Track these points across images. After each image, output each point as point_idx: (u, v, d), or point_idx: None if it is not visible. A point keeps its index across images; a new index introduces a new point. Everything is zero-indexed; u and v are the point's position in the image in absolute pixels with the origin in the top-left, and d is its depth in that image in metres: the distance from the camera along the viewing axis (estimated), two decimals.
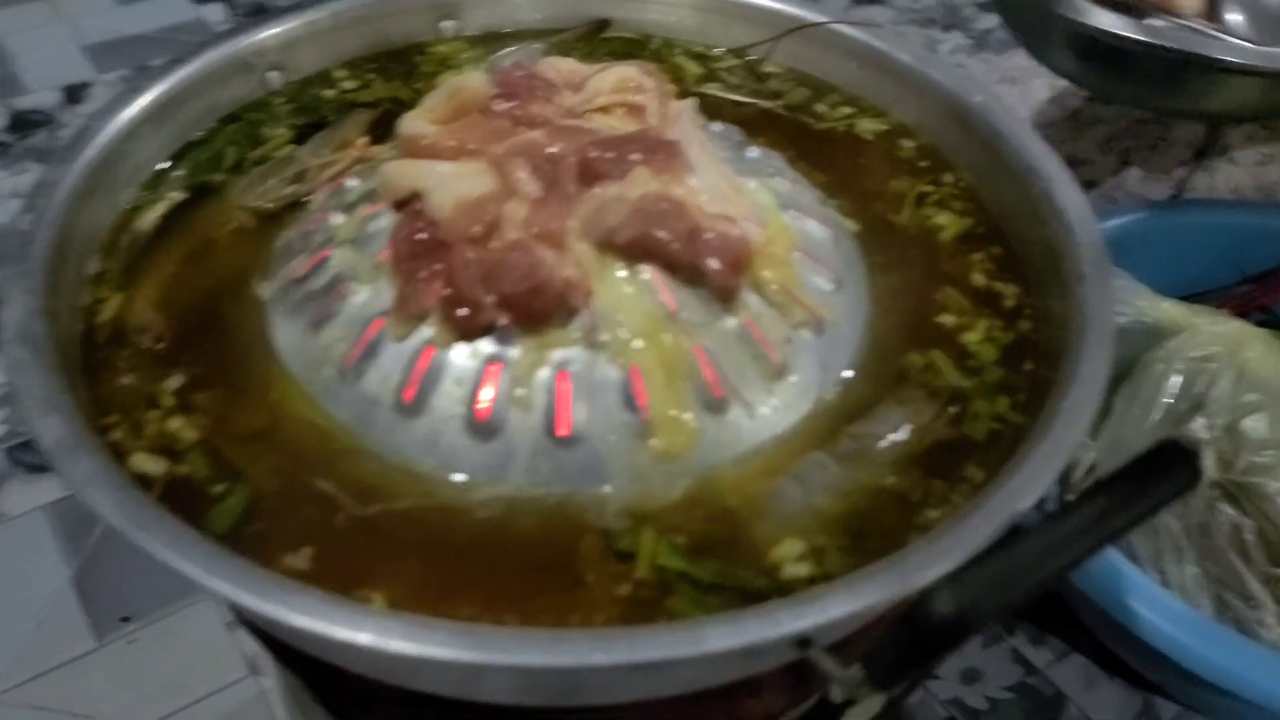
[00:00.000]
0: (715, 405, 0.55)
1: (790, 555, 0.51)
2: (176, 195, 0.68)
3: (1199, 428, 0.91)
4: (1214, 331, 0.95)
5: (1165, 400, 0.94)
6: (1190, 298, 1.03)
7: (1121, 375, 0.99)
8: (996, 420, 0.57)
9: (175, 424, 0.56)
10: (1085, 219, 0.62)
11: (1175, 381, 0.94)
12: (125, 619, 0.98)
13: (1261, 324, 1.00)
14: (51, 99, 1.58)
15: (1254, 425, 0.90)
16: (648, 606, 0.49)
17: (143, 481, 0.53)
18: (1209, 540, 0.91)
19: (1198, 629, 0.82)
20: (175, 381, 0.58)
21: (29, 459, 1.10)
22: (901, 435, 0.56)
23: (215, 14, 1.78)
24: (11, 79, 1.62)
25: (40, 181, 0.62)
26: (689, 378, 0.54)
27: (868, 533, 0.52)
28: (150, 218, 0.67)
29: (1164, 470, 0.42)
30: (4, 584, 1.00)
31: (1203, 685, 0.82)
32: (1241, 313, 1.05)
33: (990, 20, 1.87)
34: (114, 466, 0.49)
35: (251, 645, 0.96)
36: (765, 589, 0.49)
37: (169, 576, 0.99)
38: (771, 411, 0.56)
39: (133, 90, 0.69)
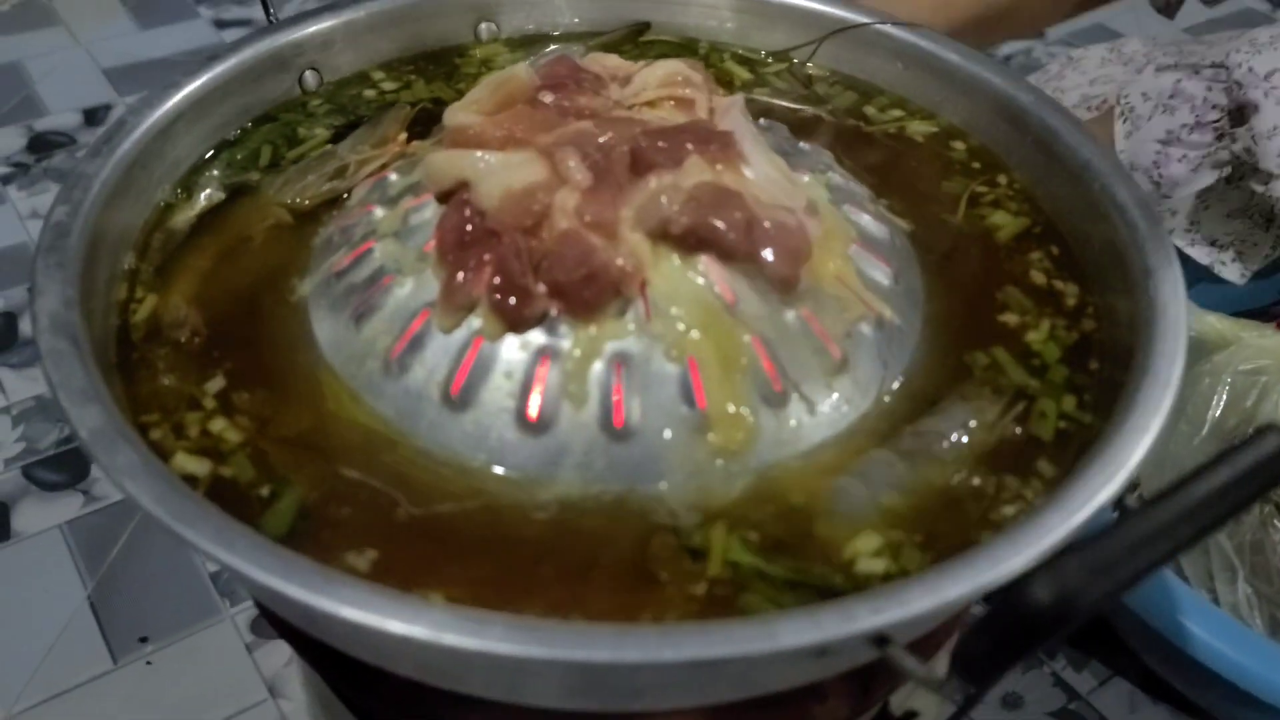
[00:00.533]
0: (775, 399, 0.53)
1: (865, 550, 0.48)
2: (212, 192, 0.67)
3: None
4: (1262, 345, 0.93)
5: (1214, 415, 0.91)
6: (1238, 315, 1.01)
7: None
8: (1064, 419, 0.55)
9: (218, 425, 0.54)
10: (1148, 214, 0.60)
11: (1224, 396, 0.92)
12: (143, 639, 0.95)
13: None
14: (72, 120, 1.58)
15: None
16: (721, 605, 0.46)
17: (187, 483, 0.51)
18: (1261, 558, 0.89)
19: (1253, 648, 0.80)
20: (215, 380, 0.56)
21: (45, 476, 1.08)
22: (967, 433, 0.54)
23: (236, 38, 1.77)
24: (32, 101, 1.61)
25: (75, 173, 0.60)
26: (748, 371, 0.52)
27: (941, 529, 0.50)
28: (185, 215, 0.65)
29: (1265, 459, 0.40)
30: (20, 603, 0.98)
31: (1256, 706, 0.80)
32: None
33: (1010, 46, 1.87)
34: (154, 458, 0.47)
35: (271, 666, 0.93)
36: (842, 586, 0.47)
37: (188, 596, 0.98)
38: (832, 407, 0.54)
39: (169, 86, 0.67)
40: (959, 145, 0.73)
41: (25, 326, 1.24)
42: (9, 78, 1.66)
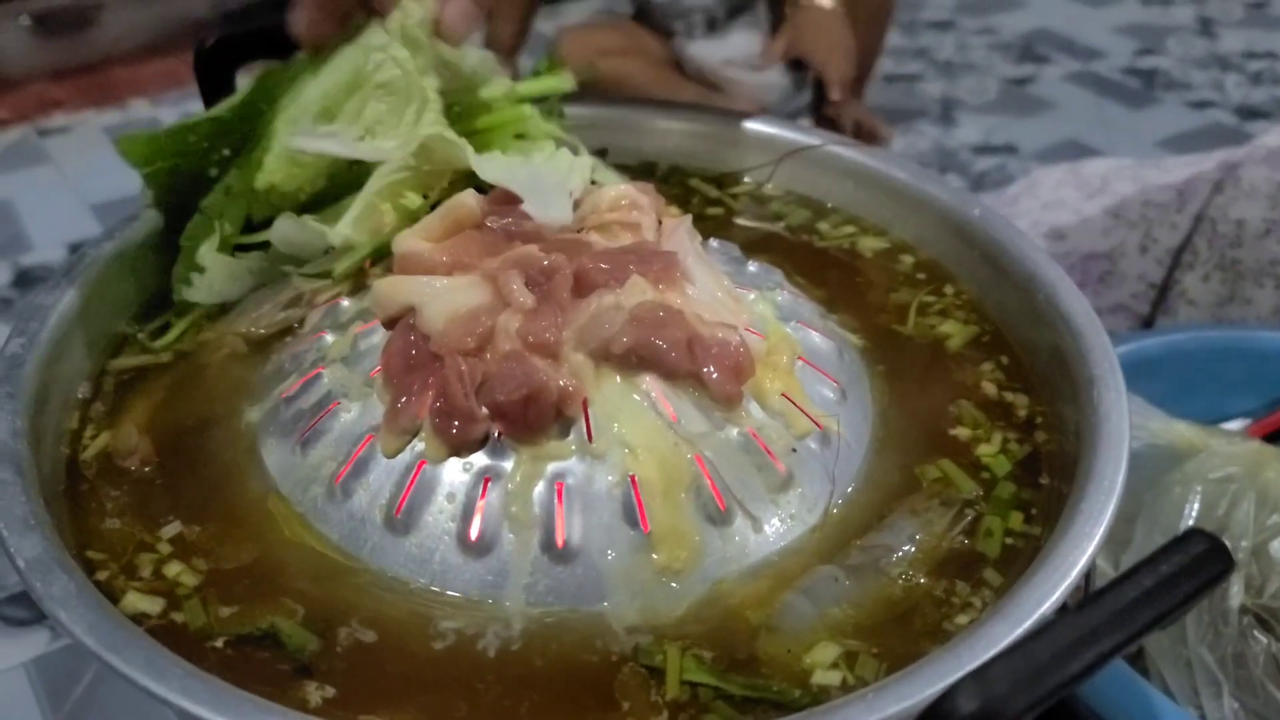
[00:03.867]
0: (719, 517, 0.53)
1: (822, 662, 0.48)
2: (168, 323, 0.67)
3: None
4: (1231, 452, 0.93)
5: (1186, 525, 0.91)
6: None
7: (1139, 505, 0.97)
8: (1010, 535, 0.55)
9: (160, 558, 0.54)
10: (1091, 322, 0.61)
11: (1195, 505, 0.91)
12: None
13: None
14: (57, 255, 1.60)
15: None
16: None
17: (137, 620, 0.50)
18: (1245, 671, 0.87)
19: None
20: (160, 503, 0.56)
21: (12, 613, 1.07)
22: (915, 546, 0.54)
23: None
24: (19, 238, 1.64)
25: (32, 305, 0.61)
26: (691, 489, 0.52)
27: (890, 642, 0.49)
28: (141, 346, 0.66)
29: (1190, 560, 0.39)
30: None
31: None
32: (1266, 435, 1.03)
33: (987, 162, 1.91)
34: (89, 586, 0.47)
35: None
36: (801, 700, 0.46)
37: None
38: (778, 523, 0.54)
39: (130, 219, 0.69)
40: (908, 259, 0.74)
41: None
42: None
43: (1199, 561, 0.40)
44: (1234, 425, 1.09)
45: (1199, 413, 1.07)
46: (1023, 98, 2.15)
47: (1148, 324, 1.29)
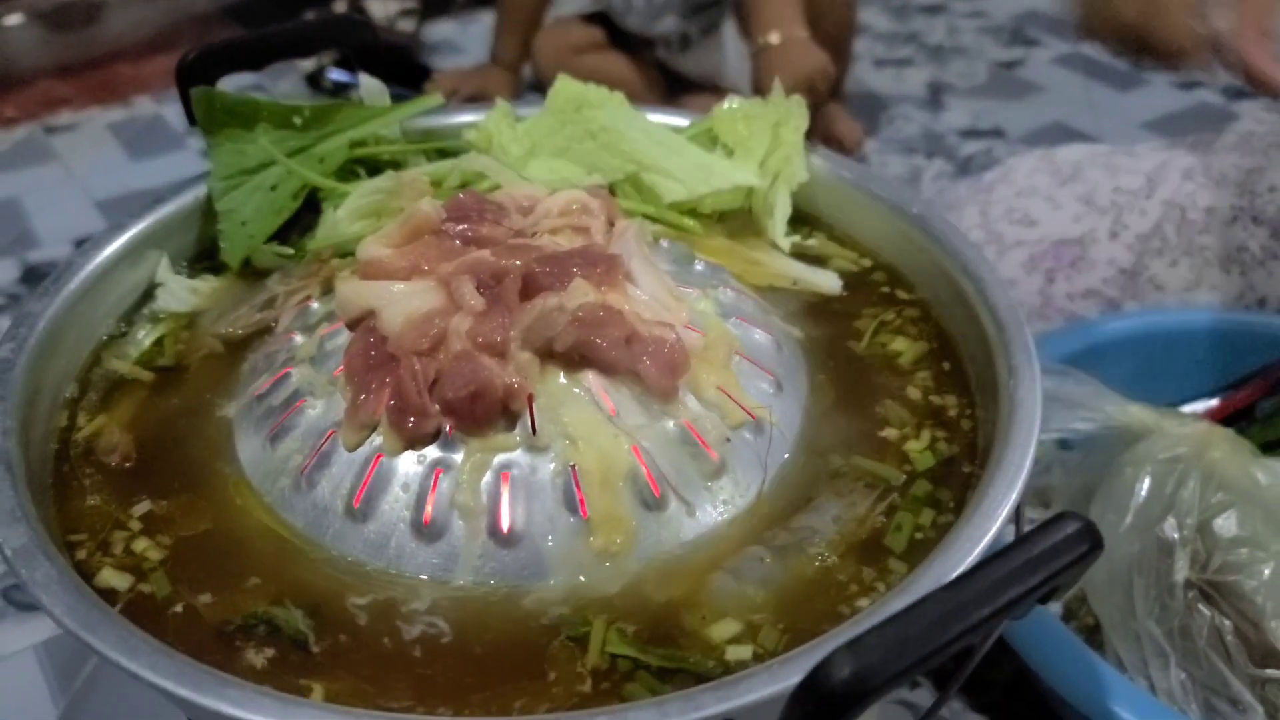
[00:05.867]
0: (654, 503, 0.57)
1: (726, 636, 0.52)
2: (151, 326, 0.72)
3: (1169, 529, 0.91)
4: (1180, 433, 0.96)
5: (1137, 503, 0.94)
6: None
7: (1097, 484, 1.01)
8: (919, 530, 0.58)
9: (140, 544, 0.58)
10: (1014, 316, 0.64)
11: (1145, 484, 0.95)
12: None
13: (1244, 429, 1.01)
14: (63, 251, 1.65)
15: (1224, 524, 0.91)
16: (606, 697, 0.50)
17: (108, 596, 0.55)
18: (1190, 643, 0.91)
19: None
20: (142, 504, 0.60)
21: (22, 598, 1.12)
22: (837, 526, 0.58)
23: None
24: (26, 235, 1.69)
25: (23, 312, 0.66)
26: (628, 477, 0.56)
27: (800, 618, 0.53)
28: (126, 348, 0.70)
29: (1060, 540, 0.43)
30: None
31: None
32: (1221, 418, 1.07)
33: (973, 146, 1.93)
34: (70, 573, 0.51)
35: None
36: (714, 671, 0.50)
37: (157, 714, 0.99)
38: (711, 508, 0.58)
39: (115, 228, 0.73)
40: (866, 262, 0.78)
41: None
42: (6, 213, 1.75)
43: (1068, 541, 0.43)
44: (1197, 407, 1.13)
45: (1165, 394, 1.11)
46: (1011, 81, 2.17)
47: (1117, 309, 1.31)
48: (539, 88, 2.03)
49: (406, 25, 2.19)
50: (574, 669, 0.51)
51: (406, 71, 2.05)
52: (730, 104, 0.80)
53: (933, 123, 2.02)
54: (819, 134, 1.83)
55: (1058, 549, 0.43)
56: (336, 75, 1.94)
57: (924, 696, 0.99)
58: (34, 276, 1.60)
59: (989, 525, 0.53)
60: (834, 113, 1.88)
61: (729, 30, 1.89)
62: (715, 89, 1.96)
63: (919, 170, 1.88)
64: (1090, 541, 0.44)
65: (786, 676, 0.45)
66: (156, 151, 1.92)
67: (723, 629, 0.53)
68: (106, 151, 1.93)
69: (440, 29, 2.38)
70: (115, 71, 2.21)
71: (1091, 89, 2.15)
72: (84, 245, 0.72)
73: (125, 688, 1.03)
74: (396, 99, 0.83)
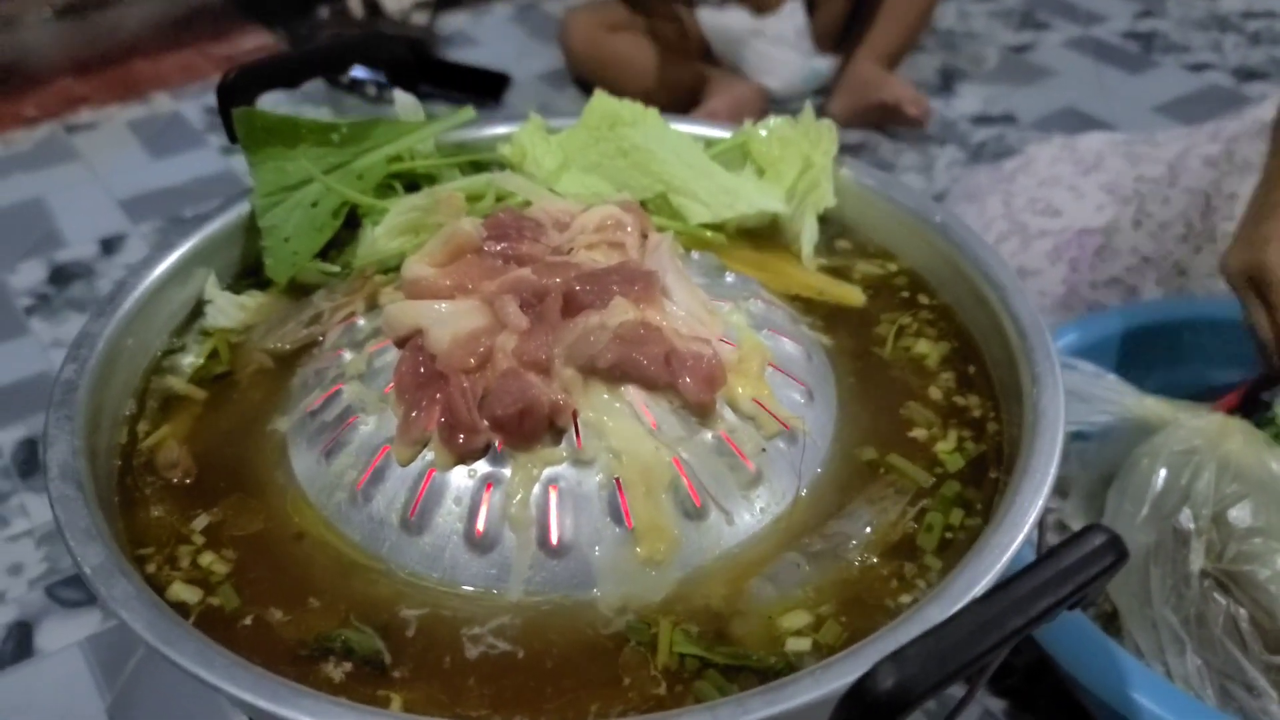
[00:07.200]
0: (695, 513, 0.59)
1: (793, 628, 0.56)
2: (204, 342, 0.74)
3: (1185, 519, 0.94)
4: (1195, 425, 0.99)
5: (1153, 494, 0.97)
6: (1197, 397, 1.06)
7: (1114, 475, 1.03)
8: (949, 530, 0.61)
9: (207, 558, 0.61)
10: (1035, 324, 0.67)
11: (1161, 475, 0.97)
12: None
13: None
14: (89, 251, 1.68)
15: (1239, 514, 0.93)
16: (680, 698, 0.53)
17: (180, 609, 0.57)
18: (1206, 630, 0.93)
19: None
20: (202, 518, 0.63)
21: (67, 595, 1.15)
22: (871, 530, 0.61)
23: (244, 165, 1.88)
24: (52, 235, 1.72)
25: (83, 333, 0.68)
26: (670, 488, 0.59)
27: (849, 620, 0.56)
28: (180, 363, 0.73)
29: (1088, 553, 0.46)
30: (42, 717, 1.04)
31: None
32: (1233, 409, 1.08)
33: (985, 133, 1.95)
34: (146, 589, 0.54)
35: None
36: (776, 666, 0.54)
37: (201, 708, 1.03)
38: (749, 516, 0.61)
39: (165, 247, 0.76)
40: (891, 266, 0.80)
41: None
42: (32, 213, 1.77)
43: (1096, 553, 0.46)
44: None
45: (1191, 381, 1.12)
46: (1022, 65, 2.19)
47: (1141, 297, 1.33)
48: (570, 74, 2.07)
49: (420, 18, 2.21)
50: (647, 672, 0.54)
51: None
52: (766, 125, 0.82)
53: (945, 109, 2.04)
54: (885, 104, 1.89)
55: (1086, 561, 0.46)
56: (357, 72, 1.95)
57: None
58: (61, 277, 1.62)
59: (1016, 533, 0.55)
60: (893, 84, 1.90)
61: None
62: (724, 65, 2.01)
63: (932, 158, 1.89)
64: (1116, 553, 0.46)
65: (830, 681, 0.48)
66: (177, 149, 1.94)
67: (783, 619, 0.57)
68: (127, 150, 1.95)
69: (454, 20, 2.39)
70: (132, 68, 2.23)
71: (1102, 72, 2.17)
72: (134, 265, 0.74)
73: (170, 682, 1.06)
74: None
